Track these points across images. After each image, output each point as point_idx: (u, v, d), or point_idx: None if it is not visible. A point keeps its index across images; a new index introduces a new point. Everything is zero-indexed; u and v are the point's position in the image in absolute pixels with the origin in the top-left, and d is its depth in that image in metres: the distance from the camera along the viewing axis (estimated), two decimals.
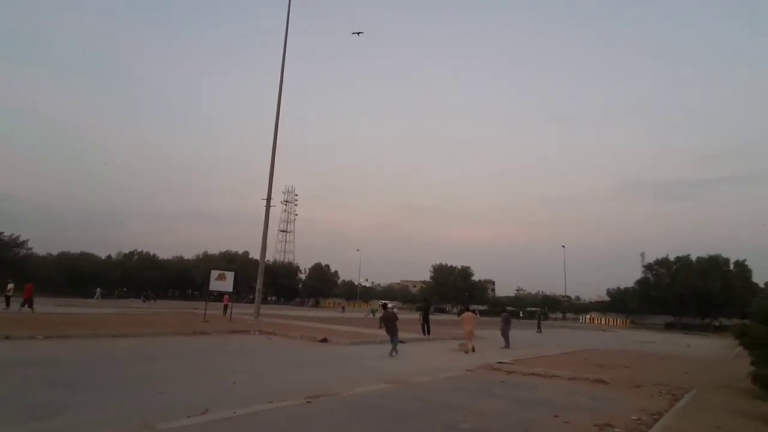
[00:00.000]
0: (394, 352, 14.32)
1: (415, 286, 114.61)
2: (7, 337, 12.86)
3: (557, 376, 10.98)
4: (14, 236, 63.21)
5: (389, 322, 14.75)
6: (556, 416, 6.89)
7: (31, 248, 67.00)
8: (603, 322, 75.33)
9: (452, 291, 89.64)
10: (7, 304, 25.94)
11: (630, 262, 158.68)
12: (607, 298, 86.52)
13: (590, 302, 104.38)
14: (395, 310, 17.89)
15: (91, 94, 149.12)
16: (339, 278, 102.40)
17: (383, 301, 38.45)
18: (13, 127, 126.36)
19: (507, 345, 19.25)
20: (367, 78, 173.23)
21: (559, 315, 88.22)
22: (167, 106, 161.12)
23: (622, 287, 79.50)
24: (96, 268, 77.47)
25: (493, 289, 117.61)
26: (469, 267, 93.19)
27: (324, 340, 17.47)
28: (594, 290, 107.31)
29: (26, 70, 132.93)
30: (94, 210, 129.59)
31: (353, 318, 40.81)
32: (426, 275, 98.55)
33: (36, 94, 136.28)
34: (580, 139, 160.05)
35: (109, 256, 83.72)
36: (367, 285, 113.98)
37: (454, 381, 9.98)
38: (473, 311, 19.47)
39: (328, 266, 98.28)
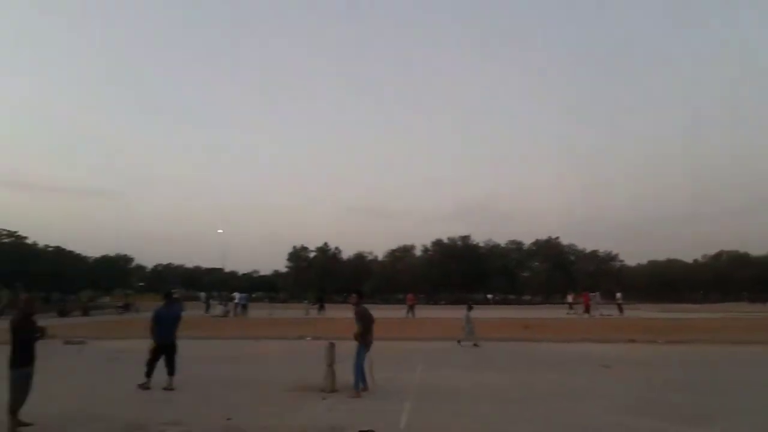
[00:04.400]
0: None
1: None
2: (631, 341, 14.41)
3: None
4: (608, 252, 72.57)
5: None
6: None
7: (623, 260, 74.29)
8: None
9: None
10: (570, 307, 33.03)
11: None
12: None
13: None
14: None
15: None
16: None
17: None
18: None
19: None
20: None
21: None
22: None
23: None
24: (684, 273, 76.89)
25: None
26: None
27: None
28: None
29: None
30: (680, 215, 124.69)
31: None
32: None
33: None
34: None
35: (695, 260, 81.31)
36: None
37: None
38: None
39: None
